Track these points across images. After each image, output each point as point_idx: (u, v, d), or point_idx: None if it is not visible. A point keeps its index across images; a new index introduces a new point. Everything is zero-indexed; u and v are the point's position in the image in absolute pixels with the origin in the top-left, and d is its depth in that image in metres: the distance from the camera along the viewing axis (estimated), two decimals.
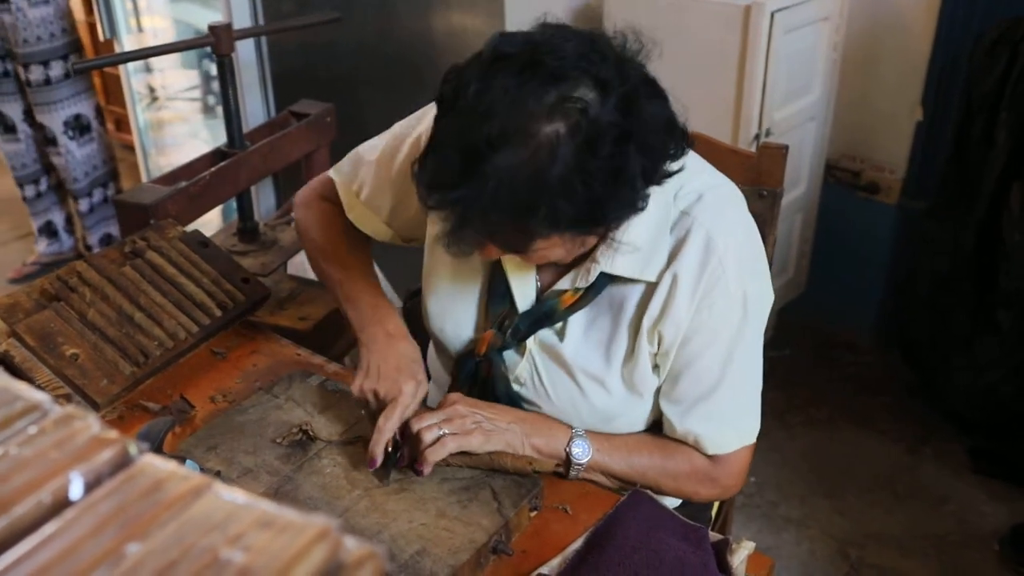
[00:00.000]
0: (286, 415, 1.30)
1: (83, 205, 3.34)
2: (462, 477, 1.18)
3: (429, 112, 1.26)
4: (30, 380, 1.23)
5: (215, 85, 3.75)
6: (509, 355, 1.28)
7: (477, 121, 0.97)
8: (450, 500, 1.14)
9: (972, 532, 2.35)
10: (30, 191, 3.42)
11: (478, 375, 1.30)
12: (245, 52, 2.55)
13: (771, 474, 2.54)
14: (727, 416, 1.23)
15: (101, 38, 3.16)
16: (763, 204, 1.54)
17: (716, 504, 1.58)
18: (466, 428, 1.17)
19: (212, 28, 1.91)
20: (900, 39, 2.69)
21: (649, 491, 1.20)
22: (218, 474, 1.18)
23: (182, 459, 1.17)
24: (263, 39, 2.61)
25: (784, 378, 2.88)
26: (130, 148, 4.05)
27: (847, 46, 2.70)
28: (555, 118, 0.97)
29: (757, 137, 2.47)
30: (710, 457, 1.25)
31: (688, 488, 1.27)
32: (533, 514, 1.16)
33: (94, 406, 1.27)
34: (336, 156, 2.33)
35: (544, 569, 1.09)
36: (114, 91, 4.23)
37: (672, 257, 1.16)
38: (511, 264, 1.24)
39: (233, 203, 2.41)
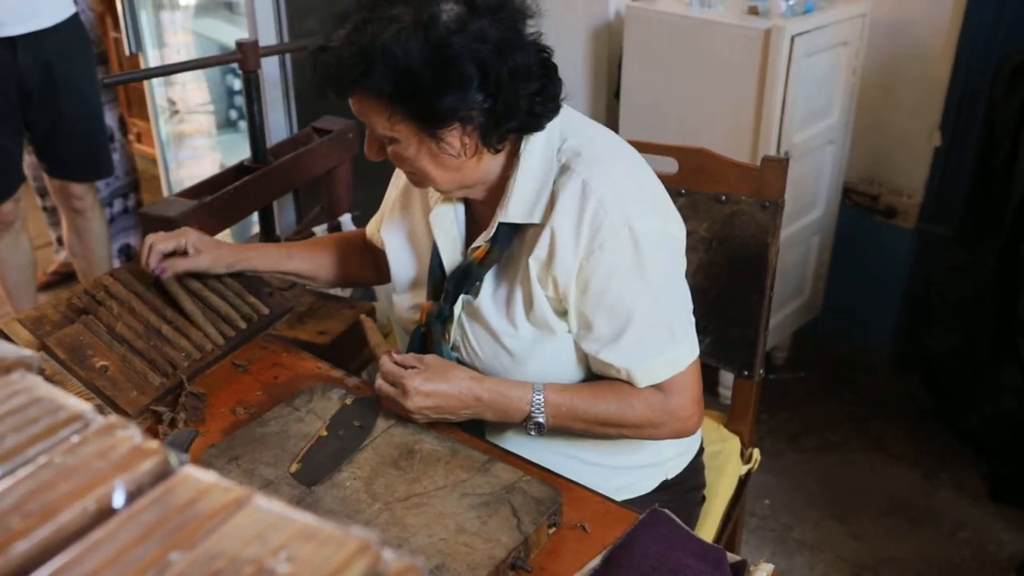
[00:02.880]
0: (307, 428, 1.32)
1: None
2: (482, 493, 1.19)
3: None
4: None
5: (236, 99, 3.78)
6: (445, 324, 1.39)
7: (355, 6, 1.22)
8: (469, 515, 1.15)
9: (988, 560, 2.33)
10: (50, 202, 3.45)
11: (423, 345, 1.40)
12: (269, 68, 2.58)
13: (785, 497, 2.53)
14: (649, 347, 1.29)
15: (127, 52, 3.19)
16: (765, 215, 1.58)
17: (719, 519, 1.59)
18: (413, 418, 1.30)
19: (239, 45, 1.94)
20: (919, 64, 2.70)
21: (613, 433, 1.33)
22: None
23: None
24: (287, 55, 2.64)
25: (799, 400, 2.87)
26: (150, 160, 4.09)
27: (866, 70, 2.71)
28: (408, 6, 1.18)
29: None
30: (657, 388, 1.32)
31: (648, 429, 1.34)
32: (552, 531, 1.17)
33: (124, 416, 1.29)
34: (357, 172, 2.36)
35: None
36: (136, 103, 4.27)
37: (552, 205, 1.28)
38: (439, 231, 1.39)
39: (245, 219, 2.43)
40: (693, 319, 1.36)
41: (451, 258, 1.39)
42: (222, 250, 1.53)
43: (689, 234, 1.66)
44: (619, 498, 1.39)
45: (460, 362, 1.38)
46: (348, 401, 1.37)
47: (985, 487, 2.55)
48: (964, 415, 2.64)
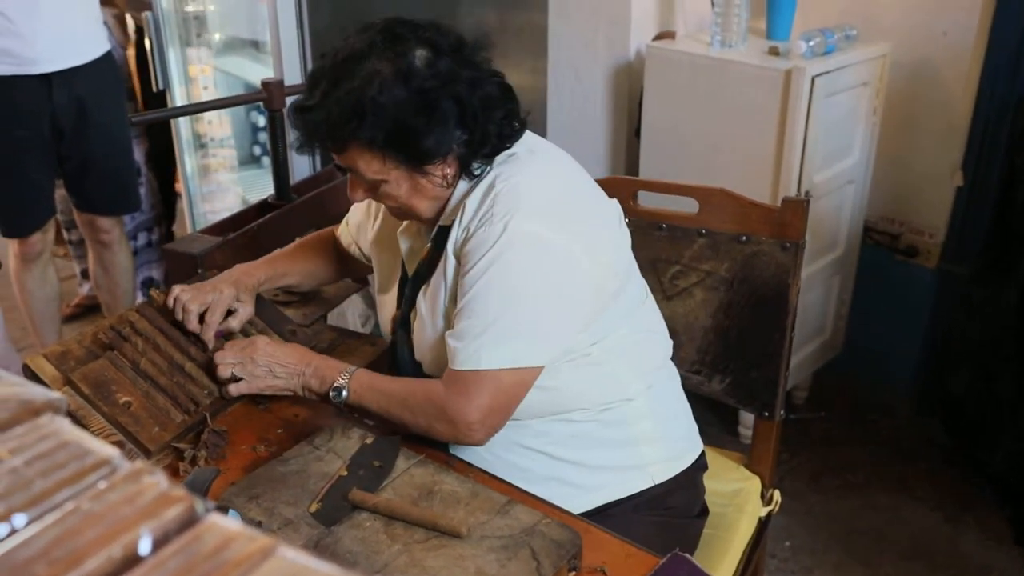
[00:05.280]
0: (327, 467, 1.32)
1: None
2: (501, 536, 1.18)
3: None
4: (84, 427, 1.26)
5: (260, 135, 3.83)
6: (409, 330, 1.45)
7: (329, 64, 1.30)
8: (489, 558, 1.15)
9: None
10: (75, 235, 3.49)
11: (392, 352, 1.49)
12: None
13: (806, 539, 2.50)
14: (466, 332, 1.30)
15: (154, 89, 3.24)
16: (786, 256, 1.58)
17: (738, 561, 1.58)
18: (255, 374, 1.41)
19: (265, 84, 1.97)
20: (940, 104, 2.70)
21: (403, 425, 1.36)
22: (259, 524, 1.19)
23: (225, 509, 1.19)
24: None
25: (820, 441, 2.85)
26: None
27: (887, 110, 2.72)
28: (383, 61, 1.27)
29: None
30: (449, 384, 1.32)
31: (426, 419, 1.34)
32: (571, 575, 1.16)
33: (146, 453, 1.30)
34: None
35: None
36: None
37: (466, 198, 1.36)
38: (405, 245, 1.47)
39: None
40: (538, 337, 1.32)
41: (413, 267, 1.47)
42: (246, 287, 1.60)
43: (709, 274, 1.67)
44: (602, 500, 1.43)
45: (422, 364, 1.43)
46: (368, 440, 1.37)
47: (1010, 530, 2.51)
48: (987, 456, 2.61)
